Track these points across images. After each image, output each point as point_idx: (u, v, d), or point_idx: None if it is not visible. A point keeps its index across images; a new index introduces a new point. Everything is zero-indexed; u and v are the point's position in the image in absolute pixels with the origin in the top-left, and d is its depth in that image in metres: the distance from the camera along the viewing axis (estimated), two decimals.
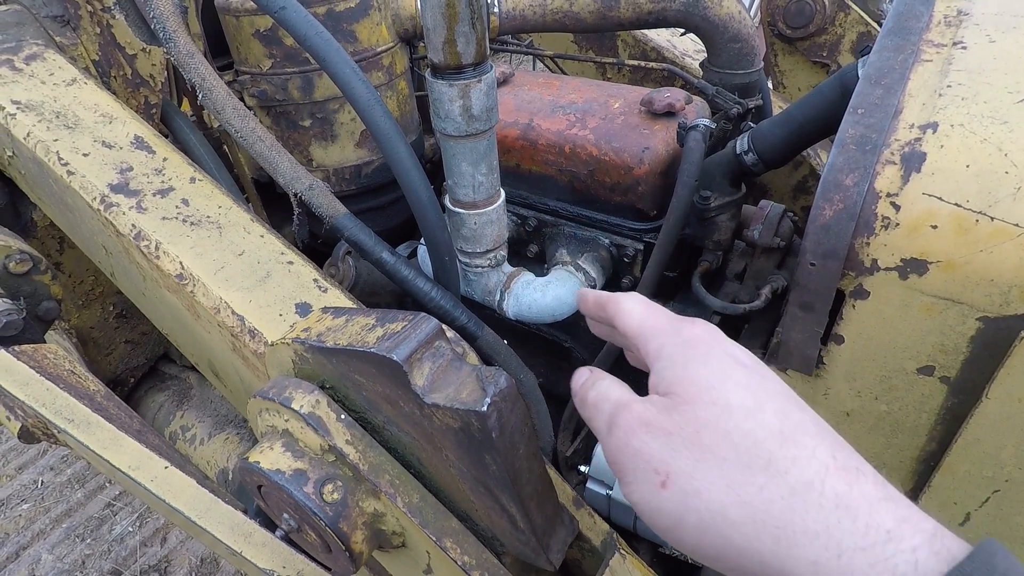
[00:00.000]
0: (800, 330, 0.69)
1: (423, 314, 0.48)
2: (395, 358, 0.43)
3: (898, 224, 0.59)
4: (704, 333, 0.43)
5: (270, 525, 0.62)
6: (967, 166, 0.57)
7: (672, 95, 1.00)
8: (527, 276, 0.99)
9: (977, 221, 0.55)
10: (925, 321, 0.61)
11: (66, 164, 0.82)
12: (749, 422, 0.37)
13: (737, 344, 0.43)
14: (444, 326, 0.49)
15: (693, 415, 0.38)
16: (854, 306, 0.65)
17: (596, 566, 0.60)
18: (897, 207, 0.59)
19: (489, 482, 0.45)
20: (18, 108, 0.87)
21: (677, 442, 0.38)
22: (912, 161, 0.59)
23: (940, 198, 0.57)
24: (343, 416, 0.51)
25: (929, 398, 0.66)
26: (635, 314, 0.47)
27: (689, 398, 0.39)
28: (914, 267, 0.59)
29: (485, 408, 0.40)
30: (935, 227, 0.57)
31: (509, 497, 0.45)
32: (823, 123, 0.81)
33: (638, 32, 1.49)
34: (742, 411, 0.38)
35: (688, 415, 0.38)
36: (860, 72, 0.73)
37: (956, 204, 0.56)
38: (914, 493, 0.74)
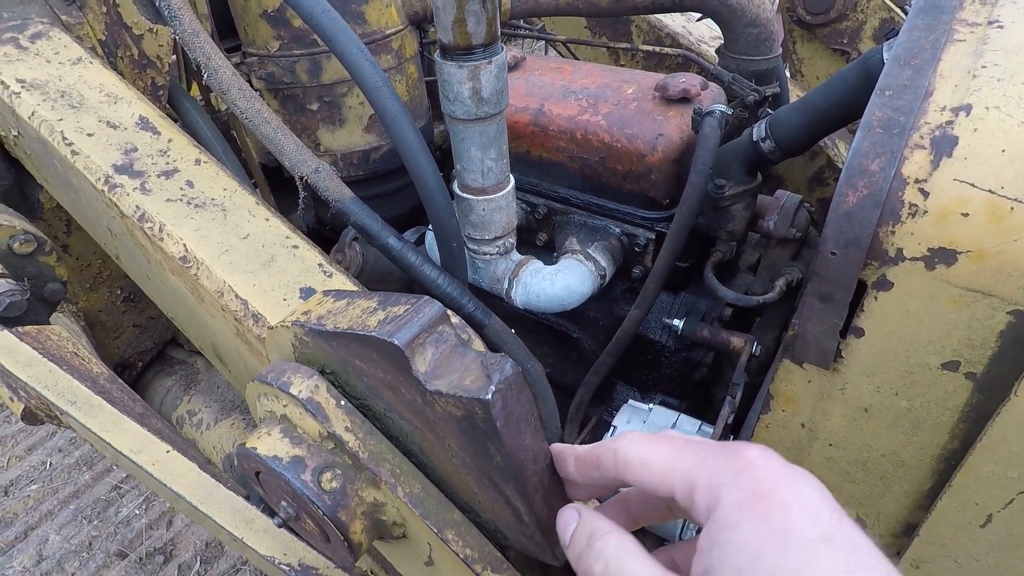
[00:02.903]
0: (818, 322, 0.66)
1: (427, 297, 0.46)
2: (396, 342, 0.42)
3: (926, 211, 0.56)
4: (768, 474, 0.33)
5: (272, 512, 0.61)
6: (1003, 151, 0.54)
7: (687, 80, 0.98)
8: (536, 264, 0.97)
9: (1012, 209, 0.53)
10: (952, 314, 0.59)
11: (70, 144, 0.81)
12: None
13: (812, 487, 0.33)
14: (449, 311, 0.47)
15: None
16: (876, 297, 0.62)
17: None
18: (926, 194, 0.56)
19: (493, 473, 0.44)
20: (23, 87, 0.86)
21: None
22: (943, 145, 0.56)
23: (972, 184, 0.54)
24: (343, 402, 0.49)
25: (953, 394, 0.64)
26: (652, 460, 0.37)
27: None
28: (942, 257, 0.56)
29: (489, 396, 0.39)
30: (966, 215, 0.54)
31: (513, 489, 0.44)
32: (845, 109, 0.79)
33: (652, 17, 1.45)
34: None
35: None
36: (886, 55, 0.70)
37: (990, 191, 0.53)
38: (934, 492, 0.71)
